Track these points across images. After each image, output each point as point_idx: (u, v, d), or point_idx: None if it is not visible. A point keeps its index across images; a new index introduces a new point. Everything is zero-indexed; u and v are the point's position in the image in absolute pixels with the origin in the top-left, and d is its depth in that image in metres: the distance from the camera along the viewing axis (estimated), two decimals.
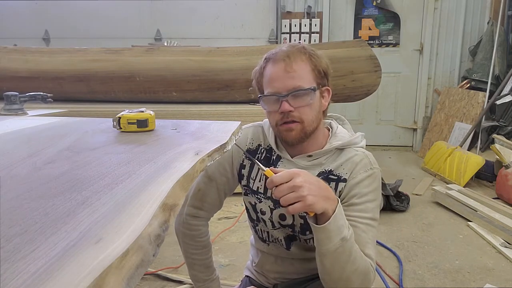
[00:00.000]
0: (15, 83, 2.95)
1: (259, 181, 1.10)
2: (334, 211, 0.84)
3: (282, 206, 0.83)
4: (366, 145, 1.09)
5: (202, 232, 1.17)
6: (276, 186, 0.81)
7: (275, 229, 1.10)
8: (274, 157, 1.09)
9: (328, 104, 1.07)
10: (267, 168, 0.85)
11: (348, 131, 1.11)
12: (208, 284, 1.21)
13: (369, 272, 0.90)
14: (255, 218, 1.14)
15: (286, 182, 0.81)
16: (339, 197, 1.01)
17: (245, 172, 1.12)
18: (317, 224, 0.84)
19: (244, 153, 0.95)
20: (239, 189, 1.18)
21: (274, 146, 1.08)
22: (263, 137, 1.12)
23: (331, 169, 1.03)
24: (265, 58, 1.03)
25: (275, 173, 0.83)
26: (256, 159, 1.10)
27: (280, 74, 0.98)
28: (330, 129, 1.10)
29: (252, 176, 1.11)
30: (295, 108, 0.98)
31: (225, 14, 4.70)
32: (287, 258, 1.13)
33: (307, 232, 1.07)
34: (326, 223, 0.83)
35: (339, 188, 1.01)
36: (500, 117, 3.81)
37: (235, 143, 0.90)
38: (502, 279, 2.02)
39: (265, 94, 1.01)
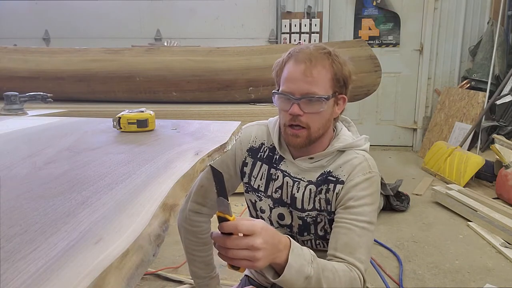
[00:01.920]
0: (15, 83, 2.95)
1: (260, 179, 1.10)
2: (287, 260, 0.79)
3: (222, 257, 0.76)
4: None
5: (204, 228, 1.18)
6: (224, 234, 0.75)
7: None
8: (277, 157, 1.09)
9: (342, 111, 1.06)
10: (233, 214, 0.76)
11: (353, 133, 1.11)
12: (208, 281, 1.21)
13: (354, 282, 0.88)
14: (255, 216, 1.15)
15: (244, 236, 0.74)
16: (336, 199, 1.00)
17: (247, 169, 1.12)
18: (275, 274, 0.81)
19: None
20: (239, 189, 1.18)
21: (277, 146, 1.08)
22: (267, 136, 1.12)
23: (330, 170, 1.03)
24: (289, 53, 1.00)
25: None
26: (259, 158, 1.10)
27: (298, 76, 0.96)
28: (335, 131, 1.09)
29: (253, 174, 1.11)
30: (305, 113, 0.97)
31: (225, 14, 4.70)
32: None
33: (305, 233, 1.07)
34: (281, 276, 0.79)
35: (336, 190, 1.00)
36: (500, 117, 3.81)
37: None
38: (502, 279, 2.02)
39: (279, 91, 1.01)
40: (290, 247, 0.80)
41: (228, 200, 0.75)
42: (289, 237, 0.83)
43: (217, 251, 0.78)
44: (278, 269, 0.81)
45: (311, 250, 0.85)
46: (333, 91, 0.99)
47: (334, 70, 0.98)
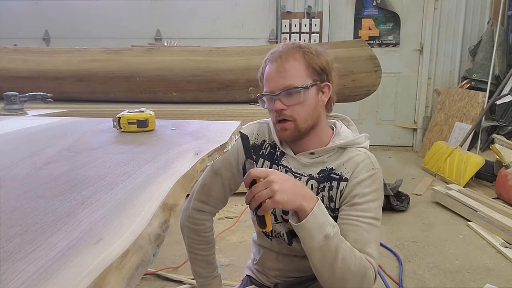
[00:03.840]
0: (15, 83, 2.95)
1: None
2: (312, 209, 0.86)
3: (255, 209, 0.88)
4: None
5: (207, 227, 1.18)
6: (251, 185, 0.87)
7: (277, 223, 1.11)
8: (278, 153, 1.10)
9: (331, 99, 1.07)
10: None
11: (352, 131, 1.12)
12: (210, 280, 1.21)
13: (367, 271, 0.90)
14: None
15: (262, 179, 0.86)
16: (340, 197, 1.01)
17: None
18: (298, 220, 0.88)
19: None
20: (240, 189, 1.18)
21: (278, 143, 1.10)
22: (268, 133, 1.14)
23: (332, 167, 1.04)
24: (266, 58, 1.06)
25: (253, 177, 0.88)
26: (261, 154, 1.12)
27: (273, 74, 1.02)
28: (334, 129, 1.11)
29: None
30: (288, 107, 1.00)
31: (225, 14, 4.70)
32: (289, 255, 1.14)
33: None
34: (303, 220, 0.86)
35: (340, 188, 1.01)
36: (500, 117, 3.81)
37: (240, 131, 0.96)
38: (502, 279, 2.02)
39: (262, 93, 1.06)
40: (317, 201, 0.88)
41: (254, 160, 0.93)
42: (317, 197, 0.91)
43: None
44: (302, 218, 0.87)
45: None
46: (313, 80, 1.02)
47: (307, 60, 1.01)
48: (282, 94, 1.00)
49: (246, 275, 1.29)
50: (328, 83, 1.05)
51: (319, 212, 0.87)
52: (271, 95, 1.02)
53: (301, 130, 1.02)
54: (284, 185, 0.85)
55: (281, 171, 1.08)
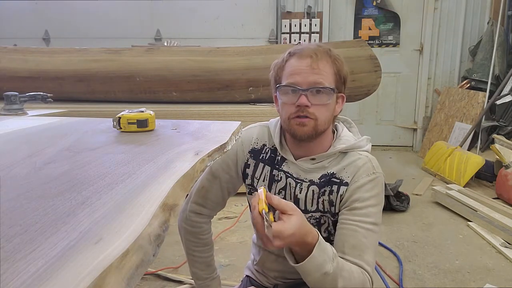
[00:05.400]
0: (15, 83, 2.95)
1: (263, 180, 1.10)
2: (311, 251, 0.83)
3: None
4: None
5: (205, 229, 1.18)
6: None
7: None
8: (279, 158, 1.08)
9: (340, 111, 1.08)
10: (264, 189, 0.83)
11: (354, 134, 1.10)
12: (209, 282, 1.21)
13: (365, 284, 0.90)
14: None
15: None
16: (341, 201, 1.00)
17: (249, 171, 1.12)
18: (295, 260, 0.87)
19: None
20: (240, 189, 1.18)
21: (278, 147, 1.08)
22: (268, 137, 1.12)
23: (333, 172, 1.02)
24: (289, 52, 1.02)
25: (268, 203, 0.81)
26: (261, 159, 1.10)
27: (304, 68, 0.97)
28: (335, 132, 1.09)
29: (256, 175, 1.11)
30: (312, 105, 0.97)
31: (225, 14, 4.70)
32: None
33: None
34: (299, 264, 0.84)
35: (340, 192, 1.00)
36: (500, 117, 3.81)
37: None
38: (502, 279, 2.02)
39: (285, 84, 1.00)
40: (318, 240, 0.84)
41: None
42: (317, 231, 0.86)
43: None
44: (300, 255, 0.85)
45: (332, 247, 0.89)
46: (336, 87, 1.01)
47: (337, 66, 1.01)
48: (311, 90, 0.97)
49: (246, 275, 1.28)
50: (344, 95, 1.06)
51: (318, 253, 0.84)
52: (298, 89, 0.97)
53: (318, 131, 0.99)
54: (280, 244, 0.80)
55: (282, 177, 1.07)
